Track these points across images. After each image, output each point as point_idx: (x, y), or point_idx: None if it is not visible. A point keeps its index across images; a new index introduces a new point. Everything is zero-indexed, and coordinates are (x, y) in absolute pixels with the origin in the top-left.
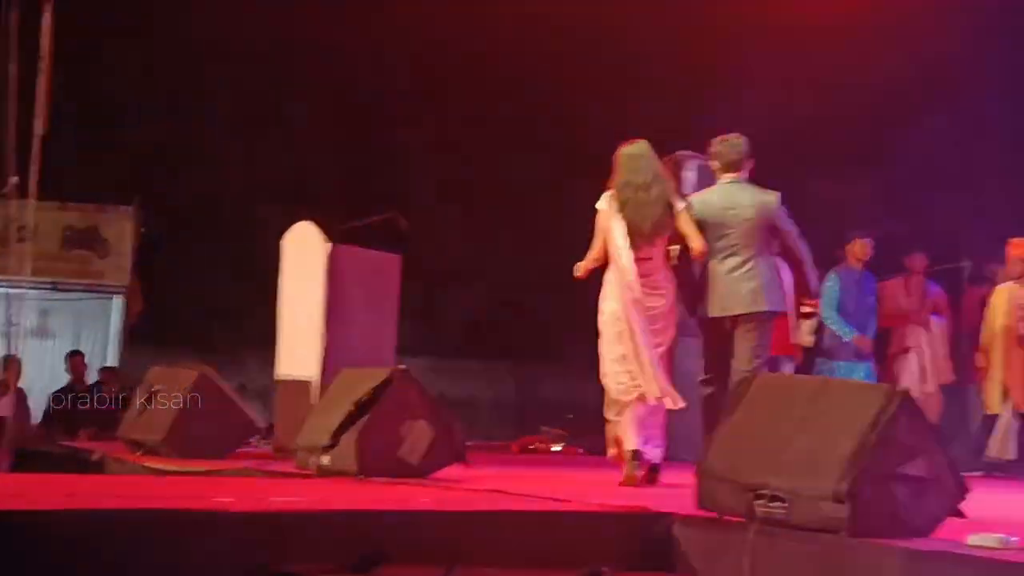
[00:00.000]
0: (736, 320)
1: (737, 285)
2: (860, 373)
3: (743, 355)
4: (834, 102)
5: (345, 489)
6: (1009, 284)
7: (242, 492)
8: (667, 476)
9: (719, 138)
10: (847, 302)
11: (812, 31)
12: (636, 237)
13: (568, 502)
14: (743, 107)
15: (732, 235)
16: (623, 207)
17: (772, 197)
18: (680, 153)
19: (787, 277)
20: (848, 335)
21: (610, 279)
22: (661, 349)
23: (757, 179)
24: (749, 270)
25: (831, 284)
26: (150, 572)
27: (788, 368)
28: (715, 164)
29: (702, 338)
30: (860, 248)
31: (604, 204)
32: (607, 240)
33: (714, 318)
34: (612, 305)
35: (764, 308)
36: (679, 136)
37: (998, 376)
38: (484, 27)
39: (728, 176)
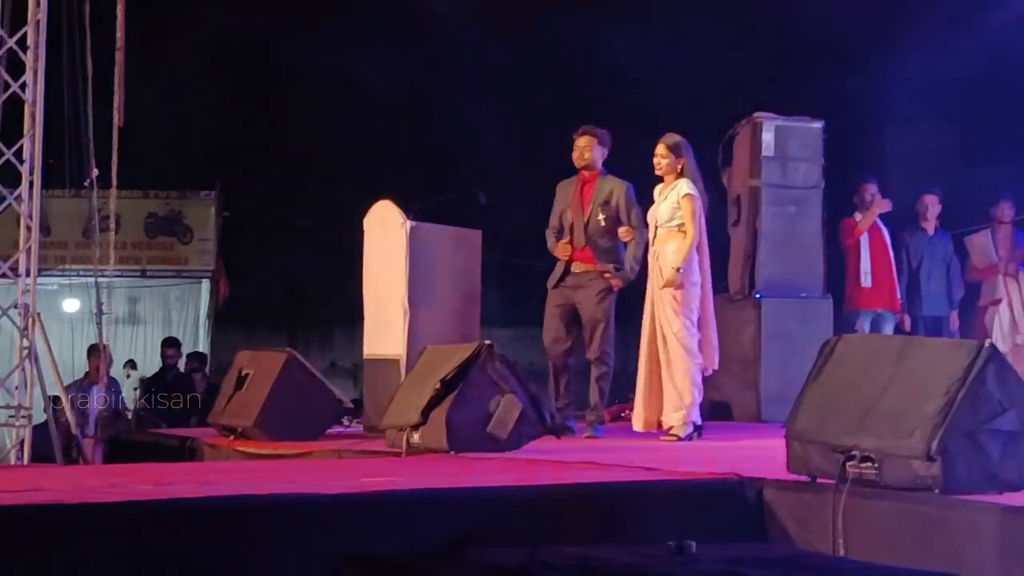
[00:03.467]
0: None
1: None
2: None
3: None
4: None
5: (436, 466)
6: None
7: (335, 473)
8: (757, 438)
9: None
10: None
11: None
12: None
13: (658, 471)
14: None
15: None
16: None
17: None
18: (758, 115)
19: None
20: None
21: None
22: None
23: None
24: None
25: None
26: (246, 557)
27: (889, 326)
28: None
29: None
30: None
31: (695, 191)
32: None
33: None
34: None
35: None
36: None
37: None
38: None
39: None
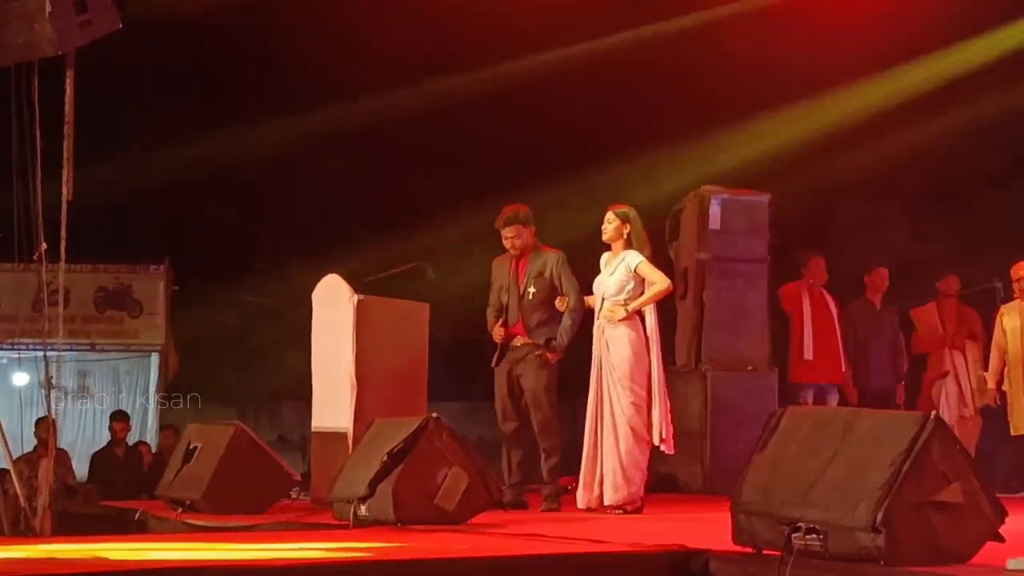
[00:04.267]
0: None
1: None
2: None
3: None
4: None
5: (383, 539)
6: (1017, 303)
7: (282, 546)
8: (703, 510)
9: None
10: None
11: None
12: None
13: (605, 543)
14: None
15: None
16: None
17: None
18: (705, 188)
19: None
20: None
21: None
22: None
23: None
24: None
25: None
26: None
27: (833, 398)
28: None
29: None
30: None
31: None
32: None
33: None
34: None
35: None
36: None
37: (1021, 397)
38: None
39: None
